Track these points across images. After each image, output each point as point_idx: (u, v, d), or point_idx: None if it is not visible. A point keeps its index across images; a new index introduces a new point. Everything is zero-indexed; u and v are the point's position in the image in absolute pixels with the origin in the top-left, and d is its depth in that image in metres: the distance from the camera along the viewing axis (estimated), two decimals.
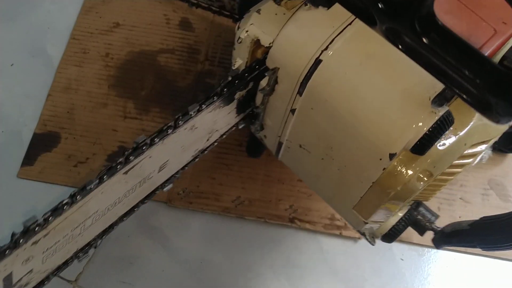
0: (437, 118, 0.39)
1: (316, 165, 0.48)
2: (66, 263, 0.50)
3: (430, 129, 0.39)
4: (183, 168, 0.54)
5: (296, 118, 0.46)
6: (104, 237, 0.52)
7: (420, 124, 0.40)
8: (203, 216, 0.80)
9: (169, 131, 0.48)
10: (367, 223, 0.48)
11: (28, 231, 0.43)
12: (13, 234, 0.44)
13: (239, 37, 0.45)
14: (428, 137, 0.39)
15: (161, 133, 0.47)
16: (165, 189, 0.56)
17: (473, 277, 0.77)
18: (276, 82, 0.45)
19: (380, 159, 0.41)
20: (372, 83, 0.42)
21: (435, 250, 0.78)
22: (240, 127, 0.55)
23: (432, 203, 0.80)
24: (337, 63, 0.42)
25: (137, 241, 0.78)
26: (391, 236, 0.49)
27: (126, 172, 0.47)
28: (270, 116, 0.49)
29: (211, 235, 0.79)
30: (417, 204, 0.51)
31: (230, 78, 0.48)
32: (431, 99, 0.40)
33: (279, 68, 0.44)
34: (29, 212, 0.80)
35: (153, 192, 0.55)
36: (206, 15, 0.97)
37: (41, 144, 0.85)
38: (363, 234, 0.51)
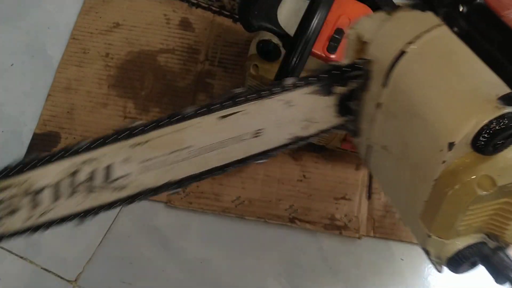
0: (500, 113, 0.39)
1: (395, 168, 0.48)
2: (156, 190, 0.51)
3: (492, 123, 0.39)
4: (277, 148, 0.53)
5: (381, 114, 0.47)
6: (191, 182, 0.52)
7: (481, 115, 0.39)
8: (203, 216, 0.80)
9: (264, 93, 0.48)
10: (430, 236, 0.46)
11: (129, 129, 0.47)
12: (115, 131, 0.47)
13: (348, 35, 0.49)
14: (488, 131, 0.39)
15: (257, 92, 0.48)
16: (256, 162, 0.53)
17: (473, 277, 0.76)
18: (368, 77, 0.47)
19: (441, 151, 0.41)
20: (445, 77, 0.43)
21: None
22: (342, 131, 0.56)
23: None
24: (417, 55, 0.44)
25: (137, 241, 0.78)
26: (456, 262, 0.48)
27: (221, 117, 0.48)
28: (363, 116, 0.50)
29: (211, 235, 0.79)
30: (498, 247, 0.48)
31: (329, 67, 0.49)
32: (499, 96, 0.40)
33: (371, 61, 0.47)
34: None
35: (246, 159, 0.53)
36: (206, 15, 0.97)
37: (41, 144, 0.85)
38: (428, 254, 0.49)
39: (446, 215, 0.44)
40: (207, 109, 0.48)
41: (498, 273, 0.46)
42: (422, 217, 0.46)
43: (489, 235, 0.47)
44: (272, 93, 0.48)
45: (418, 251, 0.78)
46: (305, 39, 0.59)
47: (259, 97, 0.48)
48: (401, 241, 0.78)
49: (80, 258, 0.77)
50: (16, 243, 0.78)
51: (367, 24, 0.49)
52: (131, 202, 0.51)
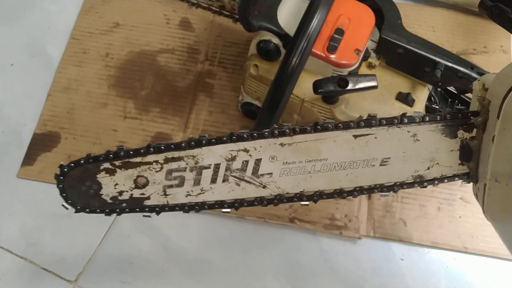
0: None
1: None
2: (293, 198, 0.56)
3: None
4: (401, 185, 0.55)
5: (495, 146, 0.48)
6: (319, 199, 0.56)
7: None
8: (203, 216, 0.80)
9: (395, 121, 0.52)
10: None
11: (281, 127, 0.51)
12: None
13: (473, 85, 0.53)
14: None
15: (388, 119, 0.51)
16: (381, 194, 0.56)
17: (473, 277, 0.77)
18: (487, 116, 0.50)
19: None
20: None
21: (435, 250, 0.78)
22: (463, 182, 0.56)
23: (432, 203, 0.80)
24: None
25: (137, 241, 0.78)
26: None
27: (355, 136, 0.52)
28: (482, 158, 0.51)
29: (211, 235, 0.79)
30: None
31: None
32: None
33: (490, 101, 0.49)
34: (28, 212, 0.81)
35: (372, 188, 0.56)
36: (206, 15, 0.97)
37: (41, 144, 0.85)
38: None
39: None
40: (343, 126, 0.51)
41: None
42: None
43: None
44: (401, 122, 0.51)
45: (418, 251, 0.78)
46: (305, 39, 0.59)
47: (389, 123, 0.51)
48: (401, 241, 0.78)
49: (80, 258, 0.77)
50: (16, 243, 0.78)
51: (490, 76, 0.51)
52: (266, 205, 0.56)
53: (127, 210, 0.56)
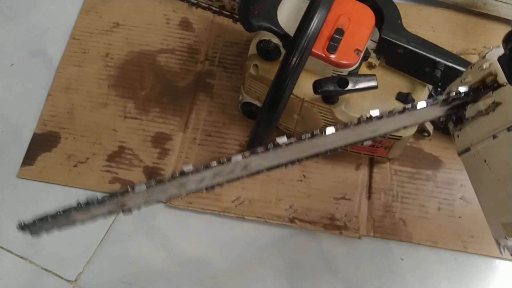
0: None
1: (490, 181, 0.53)
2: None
3: None
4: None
5: (495, 143, 0.51)
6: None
7: None
8: (203, 216, 0.80)
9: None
10: (507, 238, 0.52)
11: None
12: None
13: (482, 66, 0.53)
14: None
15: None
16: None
17: (473, 277, 0.77)
18: (493, 110, 0.51)
19: None
20: None
21: (435, 250, 0.78)
22: (441, 119, 0.59)
23: (432, 203, 0.81)
24: None
25: (137, 241, 0.78)
26: None
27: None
28: (472, 127, 0.55)
29: (211, 235, 0.79)
30: None
31: (459, 90, 0.53)
32: None
33: (501, 103, 0.50)
34: (28, 212, 0.81)
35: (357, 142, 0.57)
36: (206, 15, 0.97)
37: (41, 144, 0.85)
38: (497, 242, 0.55)
39: None
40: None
41: None
42: (505, 226, 0.52)
43: None
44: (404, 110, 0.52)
45: (418, 251, 0.78)
46: (305, 39, 0.59)
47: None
48: (401, 241, 0.78)
49: (80, 258, 0.77)
50: (16, 243, 0.78)
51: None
52: None
53: None
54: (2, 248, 0.78)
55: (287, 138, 0.51)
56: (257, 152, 0.51)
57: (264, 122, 0.67)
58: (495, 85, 0.51)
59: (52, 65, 0.93)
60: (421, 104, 0.52)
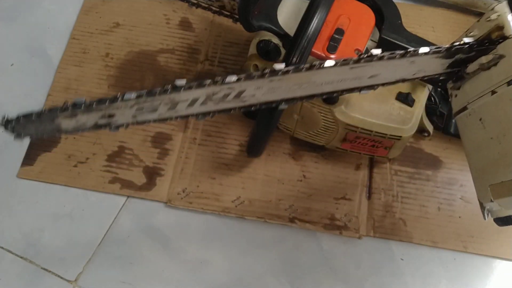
0: None
1: (483, 140, 0.53)
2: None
3: None
4: (383, 84, 0.57)
5: (493, 100, 0.51)
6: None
7: None
8: (203, 216, 0.80)
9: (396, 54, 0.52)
10: (492, 201, 0.52)
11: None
12: None
13: (489, 17, 0.52)
14: None
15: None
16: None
17: (473, 277, 0.77)
18: (495, 65, 0.51)
19: None
20: None
21: (435, 250, 0.78)
22: (441, 78, 0.59)
23: (432, 203, 0.81)
24: None
25: (137, 241, 0.78)
26: (504, 220, 0.53)
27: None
28: (472, 84, 0.55)
29: (211, 235, 0.79)
30: None
31: (464, 40, 0.52)
32: None
33: (505, 56, 0.50)
34: (28, 212, 0.81)
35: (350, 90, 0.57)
36: (206, 15, 0.97)
37: (41, 144, 0.85)
38: (482, 205, 0.55)
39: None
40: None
41: None
42: (492, 188, 0.52)
43: None
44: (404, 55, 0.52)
45: (418, 251, 0.78)
46: (305, 39, 0.59)
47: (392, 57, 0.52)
48: (401, 241, 0.78)
49: (80, 258, 0.77)
50: (16, 243, 0.78)
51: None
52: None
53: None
54: (2, 248, 0.78)
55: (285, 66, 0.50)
56: (252, 77, 0.50)
57: (264, 122, 0.67)
58: (500, 40, 0.50)
59: (52, 65, 0.93)
60: (424, 49, 0.51)
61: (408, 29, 0.69)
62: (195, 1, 0.91)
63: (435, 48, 0.52)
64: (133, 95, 0.48)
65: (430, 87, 0.75)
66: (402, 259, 0.78)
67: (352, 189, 0.82)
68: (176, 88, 0.49)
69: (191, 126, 0.87)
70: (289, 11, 0.70)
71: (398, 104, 0.71)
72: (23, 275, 0.76)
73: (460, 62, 0.54)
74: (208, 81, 0.49)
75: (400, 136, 0.72)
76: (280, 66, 0.50)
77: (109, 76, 0.92)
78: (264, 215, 0.79)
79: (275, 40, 0.68)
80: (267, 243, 0.79)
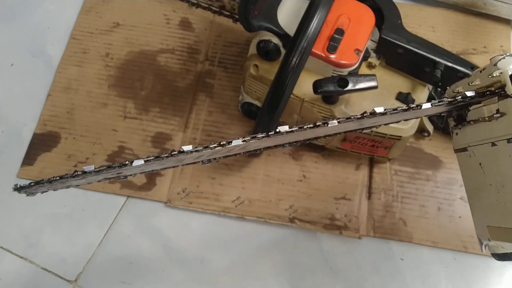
0: None
1: (482, 184, 0.54)
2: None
3: None
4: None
5: (493, 151, 0.51)
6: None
7: None
8: (203, 216, 0.80)
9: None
10: (490, 240, 0.53)
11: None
12: None
13: (492, 74, 0.51)
14: None
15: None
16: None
17: (473, 277, 0.77)
18: (496, 119, 0.51)
19: None
20: None
21: (435, 250, 0.78)
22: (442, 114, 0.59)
23: (432, 203, 0.81)
24: None
25: (137, 241, 0.78)
26: (502, 257, 0.54)
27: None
28: (472, 129, 0.55)
29: (211, 235, 0.79)
30: None
31: (466, 94, 0.52)
32: None
33: (506, 114, 0.50)
34: (28, 212, 0.81)
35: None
36: (206, 15, 0.97)
37: (41, 144, 0.85)
38: (479, 239, 0.56)
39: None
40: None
41: None
42: (491, 229, 0.53)
43: None
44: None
45: (418, 251, 0.78)
46: (305, 39, 0.59)
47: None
48: (401, 241, 0.78)
49: (80, 258, 0.77)
50: (16, 243, 0.78)
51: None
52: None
53: None
54: (2, 248, 0.78)
55: None
56: (258, 138, 0.51)
57: (264, 122, 0.67)
58: (502, 93, 0.50)
59: (52, 65, 0.93)
60: (426, 105, 0.51)
61: (408, 29, 0.69)
62: (195, 1, 0.91)
63: (437, 103, 0.52)
64: (141, 161, 0.49)
65: (430, 87, 0.75)
66: (402, 259, 0.78)
67: (352, 189, 0.82)
68: (183, 152, 0.50)
69: (191, 126, 0.87)
70: (289, 11, 0.70)
71: (398, 104, 0.71)
72: (23, 275, 0.76)
73: (462, 106, 0.55)
74: (215, 145, 0.50)
75: (400, 136, 0.72)
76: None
77: (109, 76, 0.92)
78: (264, 215, 0.79)
79: (275, 40, 0.68)
80: (267, 243, 0.79)
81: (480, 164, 0.53)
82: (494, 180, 0.51)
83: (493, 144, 0.51)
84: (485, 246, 0.55)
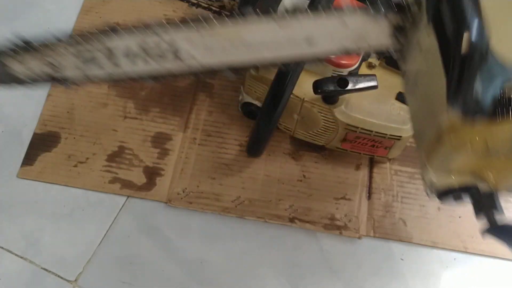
0: None
1: (416, 102, 0.51)
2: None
3: None
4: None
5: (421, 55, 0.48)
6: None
7: None
8: (203, 216, 0.80)
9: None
10: (427, 167, 0.50)
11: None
12: None
13: None
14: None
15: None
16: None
17: (473, 277, 0.77)
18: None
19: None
20: None
21: (435, 250, 0.78)
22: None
23: (432, 203, 0.80)
24: None
25: (137, 241, 0.78)
26: (444, 193, 0.51)
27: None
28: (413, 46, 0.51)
29: (211, 235, 0.79)
30: (490, 194, 0.50)
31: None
32: None
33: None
34: (28, 212, 0.81)
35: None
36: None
37: (41, 144, 0.85)
38: (424, 180, 0.52)
39: (440, 154, 0.47)
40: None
41: (481, 211, 0.50)
42: (424, 149, 0.49)
43: (482, 179, 0.50)
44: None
45: (418, 251, 0.78)
46: None
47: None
48: (401, 241, 0.78)
49: (80, 258, 0.77)
50: (16, 243, 0.78)
51: None
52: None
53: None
54: (2, 248, 0.78)
55: None
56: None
57: (264, 122, 0.67)
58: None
59: None
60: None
61: None
62: (195, 1, 0.91)
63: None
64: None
65: None
66: (402, 259, 0.78)
67: (352, 189, 0.82)
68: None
69: (191, 126, 0.87)
70: None
71: (398, 104, 0.71)
72: (23, 275, 0.76)
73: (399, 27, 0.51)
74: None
75: (400, 136, 0.72)
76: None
77: None
78: (264, 215, 0.79)
79: None
80: (267, 243, 0.79)
81: (415, 82, 0.50)
82: (421, 83, 0.48)
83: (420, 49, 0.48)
84: (430, 188, 0.52)
